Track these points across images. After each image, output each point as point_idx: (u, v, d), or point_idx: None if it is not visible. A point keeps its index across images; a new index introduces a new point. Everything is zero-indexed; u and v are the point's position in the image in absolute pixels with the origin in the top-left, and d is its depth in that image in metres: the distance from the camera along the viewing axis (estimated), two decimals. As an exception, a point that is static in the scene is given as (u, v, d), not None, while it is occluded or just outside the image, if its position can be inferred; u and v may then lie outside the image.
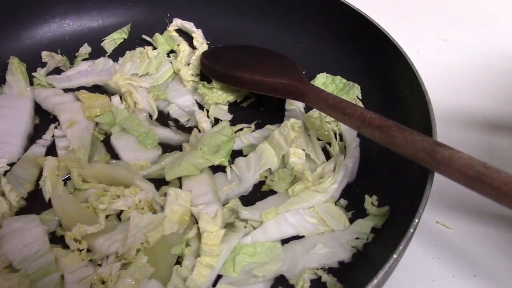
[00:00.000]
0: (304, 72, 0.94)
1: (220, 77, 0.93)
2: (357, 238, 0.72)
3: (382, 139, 0.69)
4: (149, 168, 0.84)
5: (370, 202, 0.76)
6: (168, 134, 0.91)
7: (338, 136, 0.85)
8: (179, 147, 0.89)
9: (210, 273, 0.69)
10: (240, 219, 0.76)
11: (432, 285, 0.78)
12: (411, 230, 0.60)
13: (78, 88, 0.98)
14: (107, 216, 0.78)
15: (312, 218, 0.75)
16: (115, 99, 0.95)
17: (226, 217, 0.77)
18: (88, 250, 0.75)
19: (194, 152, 0.81)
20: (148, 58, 1.02)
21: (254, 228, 0.75)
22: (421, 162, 0.65)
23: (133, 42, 1.08)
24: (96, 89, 0.99)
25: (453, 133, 0.96)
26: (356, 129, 0.74)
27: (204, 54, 0.99)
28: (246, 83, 0.89)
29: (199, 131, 0.91)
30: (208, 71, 0.95)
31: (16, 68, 0.96)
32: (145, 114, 0.93)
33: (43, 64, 1.02)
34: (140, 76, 0.99)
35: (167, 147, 0.90)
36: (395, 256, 0.58)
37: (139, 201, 0.79)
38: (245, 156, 0.85)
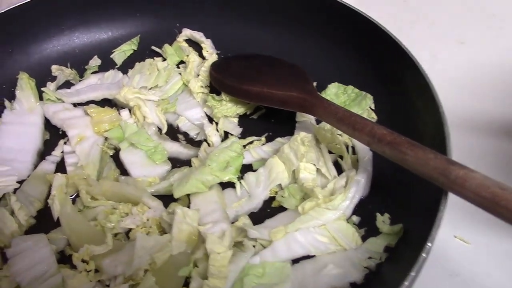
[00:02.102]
0: (315, 82, 0.93)
1: (228, 89, 0.91)
2: (369, 258, 0.70)
3: (393, 156, 0.67)
4: (158, 184, 0.83)
5: (381, 220, 0.73)
6: (177, 149, 0.89)
7: (350, 149, 0.83)
8: (188, 162, 0.88)
9: (218, 295, 0.68)
10: (249, 238, 0.74)
11: (451, 302, 0.75)
12: (424, 255, 0.58)
13: (88, 102, 0.98)
14: (115, 235, 0.78)
15: (323, 236, 0.73)
16: (124, 113, 0.94)
17: (235, 235, 0.75)
18: (96, 271, 0.74)
19: (202, 169, 0.80)
20: (157, 70, 1.00)
21: (264, 247, 0.74)
22: (434, 181, 0.62)
23: (142, 53, 1.07)
24: (106, 102, 0.98)
25: (470, 140, 0.92)
26: (367, 144, 0.71)
27: (213, 65, 0.97)
28: (255, 96, 0.87)
29: (209, 145, 0.89)
30: (217, 83, 0.94)
31: (25, 84, 0.96)
32: (154, 128, 0.92)
33: (53, 78, 1.02)
34: (150, 89, 0.97)
35: (176, 162, 0.89)
36: (412, 273, 0.56)
37: (147, 220, 0.78)
38: (255, 170, 0.83)
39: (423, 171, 0.63)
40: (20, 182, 0.86)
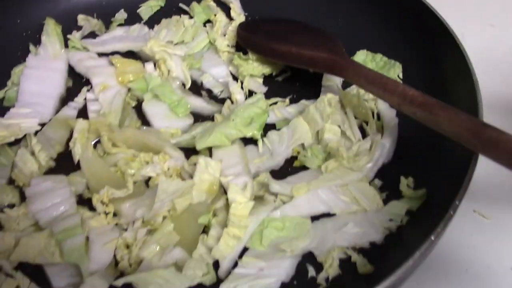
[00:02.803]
0: (343, 48, 0.91)
1: (256, 48, 0.90)
2: (390, 220, 0.69)
3: (424, 118, 0.66)
4: (180, 136, 0.82)
5: (406, 184, 0.73)
6: (201, 104, 0.89)
7: (375, 115, 0.82)
8: (211, 118, 0.87)
9: (237, 244, 0.67)
10: (270, 193, 0.73)
11: (465, 274, 0.75)
12: (451, 212, 0.57)
13: (113, 53, 0.97)
14: (134, 182, 0.77)
15: (345, 196, 0.72)
16: (149, 65, 0.93)
17: (256, 190, 0.74)
18: (115, 214, 0.74)
19: (226, 123, 0.79)
20: (184, 27, 0.99)
21: (284, 203, 0.73)
22: (465, 143, 0.61)
23: (169, 10, 1.06)
24: (130, 55, 0.97)
25: (498, 123, 0.91)
26: (397, 106, 0.70)
27: (241, 25, 0.96)
28: (282, 55, 0.86)
29: (232, 102, 0.89)
30: (244, 41, 0.93)
31: (51, 30, 0.96)
32: (178, 83, 0.92)
33: (78, 28, 1.02)
34: (175, 44, 0.97)
35: (198, 117, 0.88)
36: (432, 238, 0.55)
37: (168, 169, 0.78)
38: (278, 130, 0.83)
39: (454, 133, 0.62)
40: (42, 125, 0.86)
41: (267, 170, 0.79)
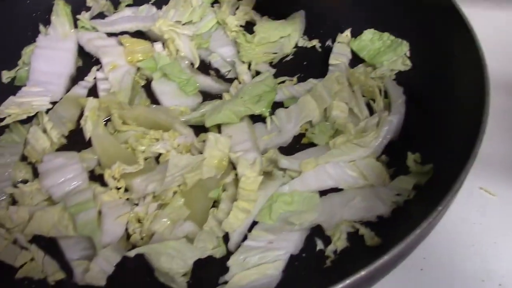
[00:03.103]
0: (350, 27, 0.92)
1: None
2: (397, 195, 0.70)
3: None
4: (189, 114, 0.83)
5: (413, 159, 0.74)
6: (209, 83, 0.90)
7: (382, 93, 0.83)
8: (219, 96, 0.88)
9: (246, 217, 0.69)
10: (278, 168, 0.75)
11: (471, 250, 0.76)
12: (458, 185, 0.58)
13: (122, 33, 0.98)
14: (145, 159, 0.78)
15: (353, 171, 0.73)
16: (158, 45, 0.94)
17: (264, 165, 0.75)
18: (126, 189, 0.75)
19: (235, 100, 0.80)
20: (191, 7, 1.00)
21: (292, 178, 0.74)
22: None
23: (177, -10, 1.06)
24: (139, 35, 0.98)
25: (506, 103, 0.92)
26: None
27: None
28: None
29: (240, 82, 0.90)
30: None
31: (61, 10, 0.96)
32: (186, 62, 0.93)
33: (87, 8, 1.02)
34: (183, 24, 0.97)
35: (207, 96, 0.89)
36: (440, 208, 0.56)
37: (178, 145, 0.79)
38: (286, 107, 0.83)
39: None
40: (53, 103, 0.87)
41: (275, 146, 0.80)
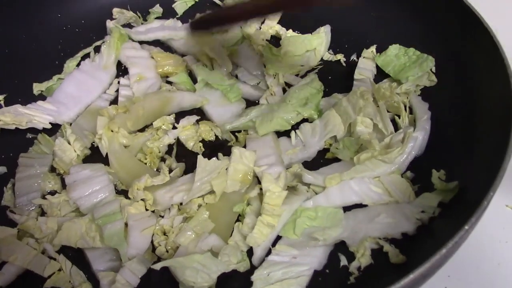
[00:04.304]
0: (376, 43, 0.92)
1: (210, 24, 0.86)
2: (422, 212, 0.70)
3: None
4: (237, 120, 0.85)
5: (437, 176, 0.73)
6: (249, 90, 0.92)
7: (408, 109, 0.83)
8: (257, 103, 0.90)
9: (271, 232, 0.69)
10: (303, 183, 0.75)
11: (497, 268, 0.75)
12: (485, 203, 0.58)
13: (154, 42, 1.00)
14: (170, 171, 0.80)
15: (377, 187, 0.73)
16: (189, 58, 0.96)
17: (289, 180, 0.76)
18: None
19: (284, 107, 0.83)
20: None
21: (316, 193, 0.74)
22: None
23: (203, 5, 1.08)
24: (167, 50, 1.00)
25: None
26: None
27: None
28: (238, 15, 0.76)
29: (271, 94, 0.91)
30: (197, 25, 0.89)
31: (114, 42, 0.97)
32: (225, 69, 0.94)
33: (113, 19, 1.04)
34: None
35: (247, 102, 0.91)
36: (466, 227, 0.56)
37: (183, 127, 0.84)
38: (311, 122, 0.84)
39: None
40: (53, 125, 0.89)
41: (300, 161, 0.80)
